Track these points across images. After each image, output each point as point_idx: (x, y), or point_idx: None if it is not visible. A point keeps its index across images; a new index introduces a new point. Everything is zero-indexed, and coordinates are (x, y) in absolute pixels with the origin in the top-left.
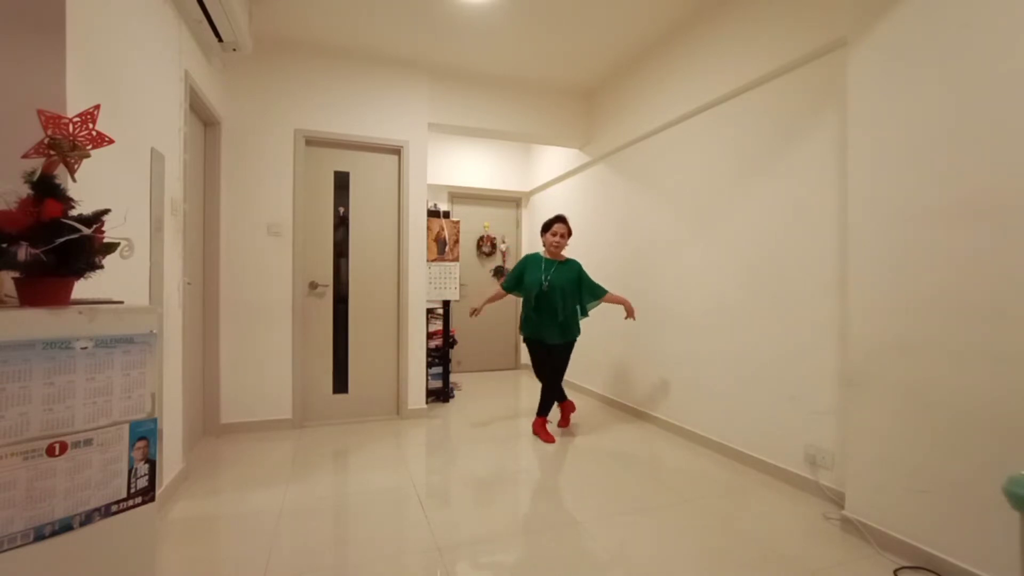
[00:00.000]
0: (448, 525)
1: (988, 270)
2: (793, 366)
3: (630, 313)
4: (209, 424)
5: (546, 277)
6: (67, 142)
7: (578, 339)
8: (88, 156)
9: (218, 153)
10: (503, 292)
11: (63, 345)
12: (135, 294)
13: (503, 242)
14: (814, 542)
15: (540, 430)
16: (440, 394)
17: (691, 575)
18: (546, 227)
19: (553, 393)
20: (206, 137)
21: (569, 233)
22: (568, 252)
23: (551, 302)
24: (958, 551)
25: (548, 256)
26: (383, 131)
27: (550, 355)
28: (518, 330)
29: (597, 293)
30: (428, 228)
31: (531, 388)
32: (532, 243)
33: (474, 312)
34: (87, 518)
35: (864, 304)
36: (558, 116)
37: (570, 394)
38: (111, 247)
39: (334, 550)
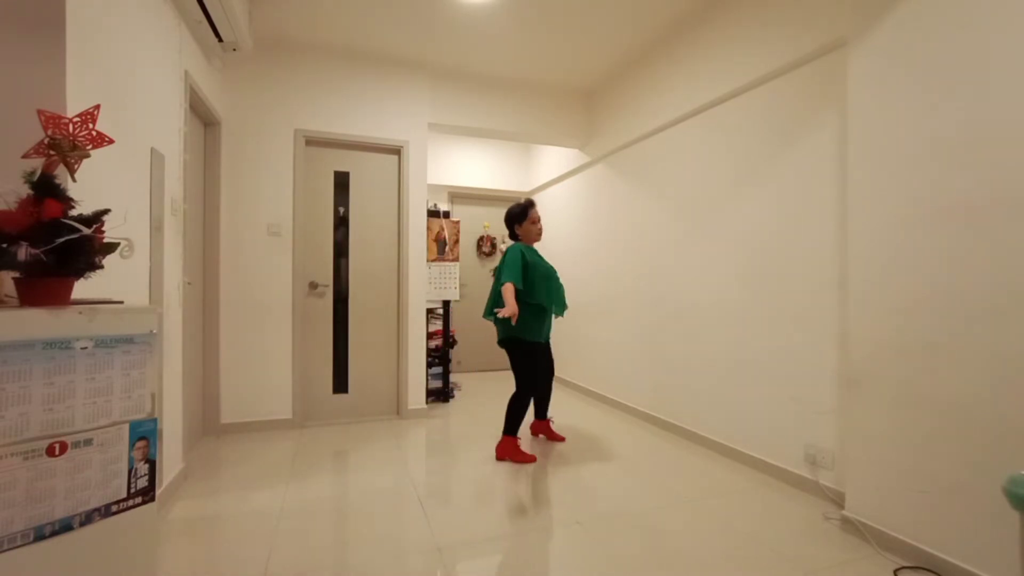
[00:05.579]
0: (448, 525)
1: (988, 270)
2: (793, 366)
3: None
4: (209, 424)
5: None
6: (67, 142)
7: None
8: (88, 156)
9: (218, 153)
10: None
11: (63, 345)
12: (135, 294)
13: (503, 242)
14: (814, 542)
15: (517, 452)
16: (440, 394)
17: (691, 575)
18: (523, 213)
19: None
20: (206, 137)
21: None
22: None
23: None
24: (958, 551)
25: (535, 245)
26: (383, 131)
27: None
28: (504, 340)
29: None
30: (428, 228)
31: None
32: None
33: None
34: (87, 518)
35: (864, 304)
36: (558, 116)
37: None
38: (111, 247)
39: (334, 550)
